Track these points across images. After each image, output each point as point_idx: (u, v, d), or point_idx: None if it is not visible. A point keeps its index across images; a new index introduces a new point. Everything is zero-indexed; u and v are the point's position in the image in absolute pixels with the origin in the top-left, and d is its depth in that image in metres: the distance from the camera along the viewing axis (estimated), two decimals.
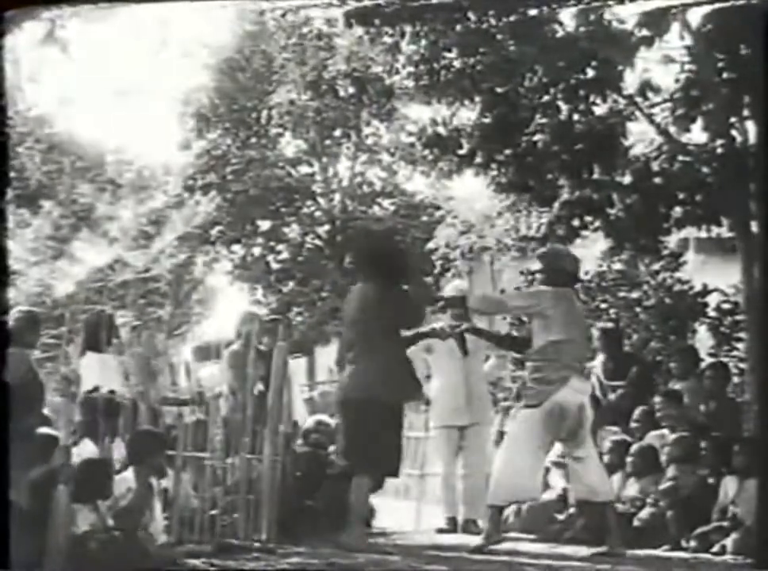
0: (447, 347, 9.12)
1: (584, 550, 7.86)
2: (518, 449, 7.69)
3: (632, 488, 8.62)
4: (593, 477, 7.80)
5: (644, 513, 8.34)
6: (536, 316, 7.82)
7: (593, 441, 8.01)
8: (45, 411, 7.87)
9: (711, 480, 8.21)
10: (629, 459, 8.69)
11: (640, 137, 10.64)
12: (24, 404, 7.08)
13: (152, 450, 7.41)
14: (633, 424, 9.07)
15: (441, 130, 10.93)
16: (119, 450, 7.89)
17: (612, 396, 9.61)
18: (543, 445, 7.80)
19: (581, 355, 7.99)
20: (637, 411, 9.12)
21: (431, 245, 18.48)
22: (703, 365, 9.77)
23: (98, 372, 8.61)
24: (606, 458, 8.76)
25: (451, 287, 9.91)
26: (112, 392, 8.28)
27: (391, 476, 7.92)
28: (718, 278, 12.74)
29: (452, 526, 9.14)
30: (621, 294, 13.68)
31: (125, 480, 7.27)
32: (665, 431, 8.79)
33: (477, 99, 10.59)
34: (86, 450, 7.72)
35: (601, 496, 7.82)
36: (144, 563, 6.99)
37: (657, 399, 9.10)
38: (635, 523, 8.31)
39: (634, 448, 8.76)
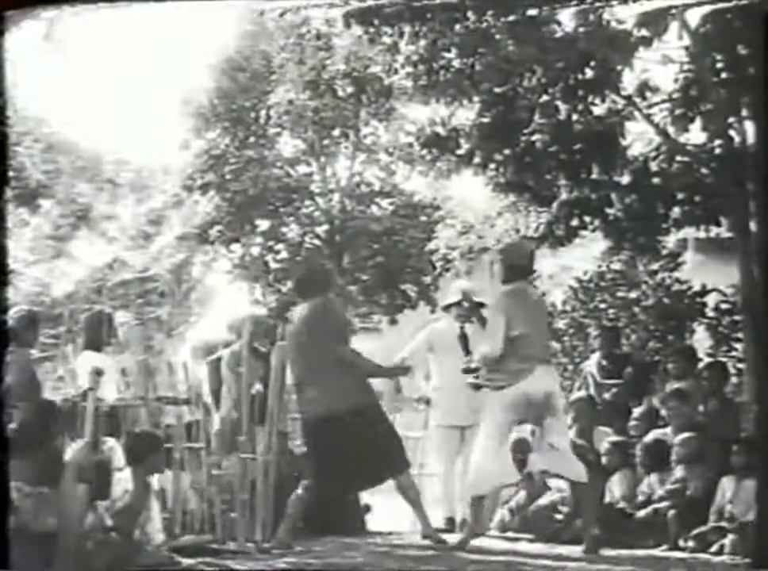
0: (449, 347, 9.12)
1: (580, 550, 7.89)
2: (490, 435, 7.77)
3: (636, 487, 8.63)
4: (564, 464, 7.85)
5: (645, 512, 8.35)
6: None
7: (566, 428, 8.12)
8: None
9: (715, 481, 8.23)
10: (639, 454, 8.69)
11: (639, 137, 10.65)
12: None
13: (150, 451, 7.40)
14: (633, 422, 9.08)
15: (440, 130, 10.94)
16: (116, 451, 7.89)
17: (607, 395, 9.62)
18: (509, 426, 7.90)
19: (542, 347, 8.06)
20: (638, 410, 9.13)
21: (431, 246, 18.50)
22: (701, 365, 9.77)
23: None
24: (605, 460, 8.77)
25: (455, 287, 9.89)
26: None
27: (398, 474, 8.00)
28: (717, 278, 12.76)
29: (451, 526, 9.14)
30: (620, 294, 13.72)
31: (122, 481, 7.26)
32: (667, 430, 8.78)
33: (475, 99, 10.60)
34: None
35: (572, 476, 7.88)
36: (141, 562, 6.99)
37: (663, 398, 9.10)
38: (635, 521, 8.33)
39: (643, 444, 8.76)
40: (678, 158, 10.30)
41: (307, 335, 7.93)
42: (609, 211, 10.64)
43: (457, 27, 10.04)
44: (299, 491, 7.86)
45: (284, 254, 21.48)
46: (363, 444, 7.70)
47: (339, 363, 7.80)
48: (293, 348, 8.08)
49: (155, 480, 7.57)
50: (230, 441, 8.40)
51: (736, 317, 12.32)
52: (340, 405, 7.74)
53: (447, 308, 9.57)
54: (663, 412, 9.00)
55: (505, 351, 7.81)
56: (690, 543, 7.97)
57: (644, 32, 9.63)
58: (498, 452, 7.78)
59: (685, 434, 8.47)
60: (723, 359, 11.36)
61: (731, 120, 10.07)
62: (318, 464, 7.84)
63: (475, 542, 7.96)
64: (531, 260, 8.23)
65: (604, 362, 9.86)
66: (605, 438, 8.95)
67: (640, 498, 8.53)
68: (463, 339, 9.18)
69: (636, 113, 10.45)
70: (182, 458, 7.98)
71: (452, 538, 8.33)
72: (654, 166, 10.38)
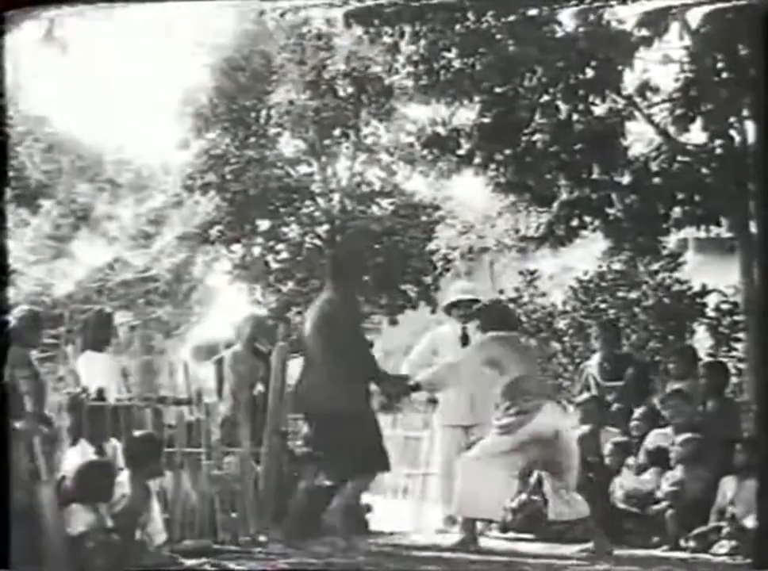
0: (452, 348, 9.14)
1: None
2: (490, 470, 7.76)
3: (638, 487, 8.63)
4: (572, 507, 7.91)
5: (647, 512, 8.35)
6: (491, 363, 7.94)
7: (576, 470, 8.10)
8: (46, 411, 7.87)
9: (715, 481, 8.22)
10: (641, 457, 8.69)
11: (639, 137, 10.66)
12: (26, 403, 7.10)
13: (150, 455, 7.39)
14: (634, 422, 9.06)
15: (440, 130, 10.94)
16: (115, 452, 7.88)
17: (609, 396, 9.61)
18: (518, 470, 7.91)
19: (546, 387, 8.15)
20: (639, 410, 9.12)
21: (431, 246, 18.49)
22: (701, 364, 9.76)
23: (97, 371, 8.61)
24: (607, 460, 8.77)
25: (455, 288, 9.90)
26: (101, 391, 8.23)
27: (383, 471, 8.06)
28: (717, 278, 12.76)
29: (451, 525, 9.14)
30: (620, 294, 13.71)
31: (120, 484, 7.24)
32: (667, 430, 8.77)
33: (476, 99, 10.60)
34: (82, 451, 7.71)
35: (574, 515, 7.91)
36: (142, 563, 6.99)
37: (664, 398, 9.09)
38: (638, 521, 8.34)
39: (644, 444, 8.76)
40: (679, 158, 10.31)
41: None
42: (610, 211, 10.65)
43: (457, 27, 10.05)
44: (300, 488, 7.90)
45: (285, 255, 21.49)
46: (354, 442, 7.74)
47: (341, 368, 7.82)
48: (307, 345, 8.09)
49: (155, 482, 7.57)
50: (231, 441, 8.40)
51: (737, 317, 12.32)
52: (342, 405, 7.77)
53: (448, 309, 9.59)
54: (664, 412, 8.98)
55: (513, 393, 7.83)
56: (691, 543, 7.97)
57: (645, 32, 9.63)
58: (493, 489, 7.80)
59: (685, 435, 8.47)
60: (724, 359, 11.35)
61: (731, 120, 10.07)
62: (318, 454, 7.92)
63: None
64: (515, 316, 8.34)
65: (605, 363, 9.85)
66: (609, 439, 8.95)
67: (643, 498, 8.52)
68: (465, 339, 9.22)
69: (637, 113, 10.45)
70: (183, 459, 7.98)
71: (452, 539, 8.34)
72: (654, 166, 10.38)
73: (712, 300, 12.94)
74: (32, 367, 7.76)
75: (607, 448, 8.84)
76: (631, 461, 8.75)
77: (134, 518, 7.13)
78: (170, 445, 7.85)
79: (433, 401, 9.57)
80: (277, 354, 8.64)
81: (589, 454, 8.75)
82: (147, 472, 7.32)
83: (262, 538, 7.98)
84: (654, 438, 8.80)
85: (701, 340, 12.68)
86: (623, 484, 8.63)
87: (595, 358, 10.01)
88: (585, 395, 9.57)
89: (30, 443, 6.99)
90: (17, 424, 6.88)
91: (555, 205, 10.75)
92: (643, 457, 8.71)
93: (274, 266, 21.47)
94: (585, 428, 9.02)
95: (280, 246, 21.54)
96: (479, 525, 8.73)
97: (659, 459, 8.59)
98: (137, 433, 7.76)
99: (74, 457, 7.56)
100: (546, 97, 10.27)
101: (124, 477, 7.29)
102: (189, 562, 7.17)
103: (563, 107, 10.31)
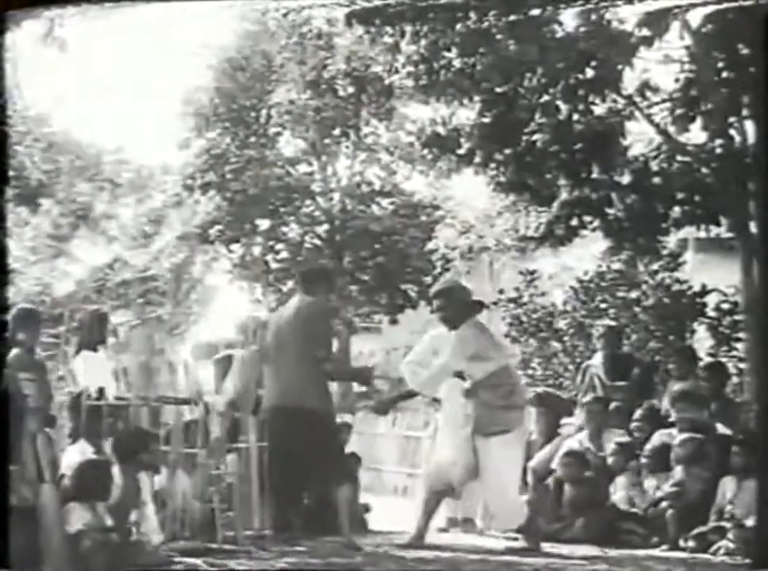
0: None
1: (582, 550, 7.89)
2: (511, 476, 7.77)
3: (640, 487, 8.62)
4: None
5: (649, 513, 8.35)
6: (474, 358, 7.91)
7: None
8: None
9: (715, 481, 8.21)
10: (643, 459, 8.67)
11: (639, 137, 10.66)
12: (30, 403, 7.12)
13: (138, 448, 7.41)
14: (636, 423, 9.04)
15: (440, 129, 10.95)
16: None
17: (613, 396, 9.59)
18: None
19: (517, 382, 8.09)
20: (640, 411, 9.10)
21: (430, 245, 18.51)
22: (701, 365, 9.75)
23: (93, 371, 8.60)
24: (610, 460, 8.75)
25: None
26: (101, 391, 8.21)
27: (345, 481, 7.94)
28: (717, 278, 12.75)
29: (453, 526, 9.14)
30: (620, 294, 13.70)
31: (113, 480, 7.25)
32: (672, 430, 8.75)
33: (476, 99, 10.61)
34: (81, 450, 7.71)
35: None
36: (140, 562, 6.99)
37: (671, 399, 9.06)
38: (639, 521, 8.34)
39: (647, 445, 8.74)
40: (679, 157, 10.31)
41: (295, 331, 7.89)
42: (610, 211, 10.65)
43: (458, 27, 10.05)
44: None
45: (284, 254, 21.50)
46: (310, 447, 7.67)
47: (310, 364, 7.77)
48: (276, 342, 8.04)
49: (154, 480, 7.57)
50: (231, 439, 8.40)
51: (737, 317, 12.31)
52: (297, 402, 7.72)
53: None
54: (668, 413, 8.97)
55: (499, 383, 7.80)
56: (691, 543, 7.96)
57: (645, 32, 9.64)
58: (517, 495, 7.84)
59: (684, 436, 8.46)
60: (724, 359, 11.34)
61: (731, 119, 10.07)
62: (269, 457, 7.85)
63: (476, 542, 7.97)
64: (471, 296, 8.25)
65: (608, 363, 9.83)
66: (611, 439, 8.93)
67: (644, 498, 8.52)
68: None
69: (637, 113, 10.45)
70: (181, 457, 7.97)
71: (452, 539, 8.34)
72: (654, 166, 10.39)
73: (712, 299, 12.93)
74: (36, 367, 7.77)
75: (609, 448, 8.82)
76: (633, 461, 8.73)
77: (126, 512, 7.14)
78: (168, 443, 7.85)
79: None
80: (250, 355, 8.59)
81: (590, 455, 8.75)
82: (136, 465, 7.34)
83: (261, 537, 7.97)
84: (658, 439, 8.78)
85: (702, 340, 12.68)
86: (625, 484, 8.63)
87: (598, 358, 9.99)
88: (591, 395, 9.54)
89: (33, 442, 7.00)
90: (20, 423, 6.88)
91: (555, 204, 10.76)
92: (646, 458, 8.68)
93: (273, 265, 21.48)
94: (590, 428, 9.01)
95: (280, 245, 21.55)
96: (479, 523, 8.78)
97: (663, 460, 8.57)
98: (124, 428, 7.78)
99: (73, 456, 7.56)
100: (546, 97, 10.27)
101: (115, 471, 7.30)
102: (187, 561, 7.17)
103: (563, 107, 10.32)
